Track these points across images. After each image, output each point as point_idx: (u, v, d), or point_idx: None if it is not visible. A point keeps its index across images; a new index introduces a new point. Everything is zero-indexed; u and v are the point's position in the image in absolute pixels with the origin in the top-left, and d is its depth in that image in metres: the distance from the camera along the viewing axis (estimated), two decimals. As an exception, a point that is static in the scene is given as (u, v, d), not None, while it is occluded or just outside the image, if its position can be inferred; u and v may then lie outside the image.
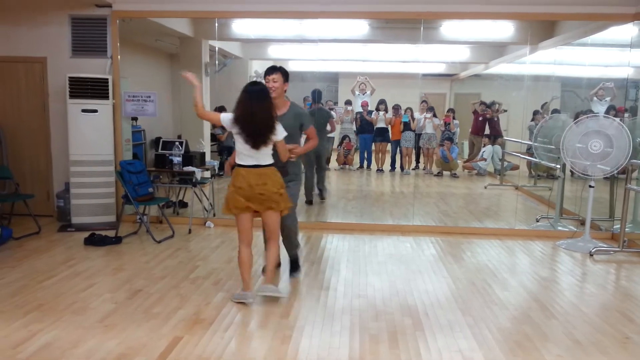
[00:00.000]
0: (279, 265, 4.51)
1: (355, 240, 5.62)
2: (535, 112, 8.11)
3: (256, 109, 3.52)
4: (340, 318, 3.52)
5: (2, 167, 5.88)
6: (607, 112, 6.85)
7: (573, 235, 5.75)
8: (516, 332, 3.36)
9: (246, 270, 3.73)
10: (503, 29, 7.19)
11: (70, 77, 5.71)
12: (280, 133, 3.66)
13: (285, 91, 4.05)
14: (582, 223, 5.80)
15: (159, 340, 3.11)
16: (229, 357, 2.93)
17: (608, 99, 7.16)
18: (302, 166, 4.30)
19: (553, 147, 6.13)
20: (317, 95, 7.26)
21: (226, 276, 4.32)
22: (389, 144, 9.02)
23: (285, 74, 3.99)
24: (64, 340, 3.08)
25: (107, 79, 5.83)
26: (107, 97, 5.82)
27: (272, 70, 3.98)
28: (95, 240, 5.16)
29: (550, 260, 5.07)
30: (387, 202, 7.47)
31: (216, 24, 6.43)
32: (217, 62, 7.33)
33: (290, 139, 3.87)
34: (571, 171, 5.85)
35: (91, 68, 6.02)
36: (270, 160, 3.68)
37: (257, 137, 3.55)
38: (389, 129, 8.92)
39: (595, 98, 7.27)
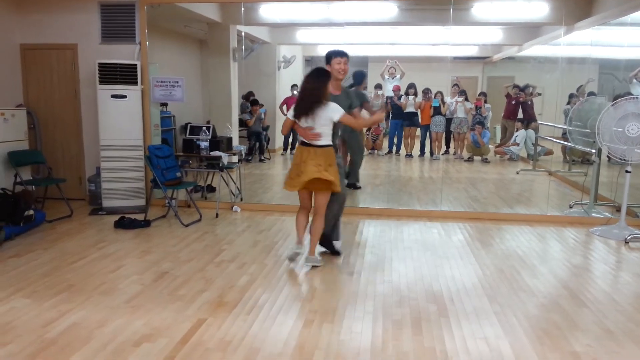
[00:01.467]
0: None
1: (381, 225, 5.58)
2: (571, 96, 7.85)
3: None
4: (363, 303, 3.50)
5: (36, 152, 6.04)
6: (648, 94, 6.58)
7: (608, 221, 5.56)
8: (544, 320, 3.28)
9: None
10: (537, 9, 6.96)
11: (99, 63, 5.79)
12: (337, 112, 3.96)
13: None
14: (618, 209, 5.60)
15: (183, 322, 3.15)
16: (251, 340, 2.95)
17: (649, 80, 6.87)
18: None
19: (588, 131, 5.92)
20: (358, 77, 6.88)
21: (251, 260, 4.35)
22: (418, 129, 8.89)
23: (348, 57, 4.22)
24: (91, 320, 3.15)
25: (136, 64, 5.89)
26: (135, 83, 5.89)
27: (342, 53, 4.19)
28: (124, 224, 5.27)
29: (583, 247, 4.92)
30: (415, 187, 7.38)
31: (242, 9, 6.41)
32: (243, 47, 7.33)
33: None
34: (608, 156, 5.64)
35: (120, 54, 6.10)
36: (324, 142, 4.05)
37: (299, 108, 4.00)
38: (419, 113, 8.78)
39: (635, 80, 6.99)
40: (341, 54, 4.18)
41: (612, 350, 2.90)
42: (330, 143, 4.05)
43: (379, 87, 8.67)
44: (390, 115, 8.79)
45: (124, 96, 5.85)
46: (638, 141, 5.06)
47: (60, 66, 6.33)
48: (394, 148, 8.98)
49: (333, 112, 3.92)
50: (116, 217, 5.42)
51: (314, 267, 4.18)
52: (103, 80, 5.79)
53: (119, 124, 5.85)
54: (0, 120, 5.57)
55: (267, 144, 9.22)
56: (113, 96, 5.82)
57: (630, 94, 6.64)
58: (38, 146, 6.32)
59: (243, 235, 5.12)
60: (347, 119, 3.99)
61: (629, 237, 5.07)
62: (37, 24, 6.27)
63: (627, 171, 5.23)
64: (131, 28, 6.13)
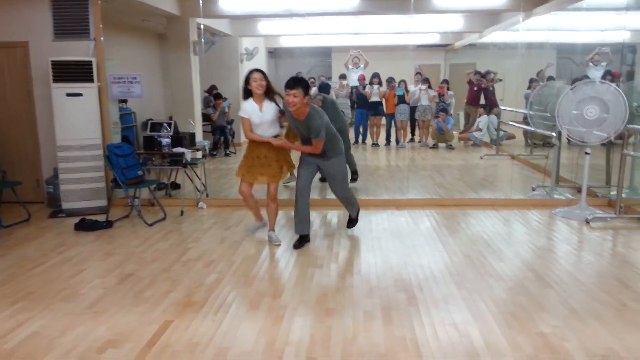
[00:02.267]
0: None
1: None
2: (531, 80, 8.00)
3: None
4: (333, 296, 3.48)
5: (-11, 155, 5.79)
6: (604, 77, 6.75)
7: (569, 203, 5.69)
8: (511, 303, 3.32)
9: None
10: (496, -4, 7.03)
11: (53, 61, 5.57)
12: (240, 111, 4.41)
13: (306, 103, 4.15)
14: (579, 190, 5.74)
15: (149, 325, 3.07)
16: (219, 340, 2.89)
17: (604, 64, 7.04)
18: (340, 144, 4.55)
19: (548, 114, 6.03)
20: (324, 89, 6.80)
21: (218, 257, 4.27)
22: (384, 118, 8.91)
23: (306, 87, 4.11)
24: (51, 329, 3.03)
25: (91, 61, 5.69)
26: (91, 80, 5.69)
27: (293, 84, 4.05)
28: (85, 226, 5.10)
29: (546, 229, 5.02)
30: (382, 176, 7.40)
31: (200, 1, 6.26)
32: (203, 40, 7.18)
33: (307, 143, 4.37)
34: (567, 138, 5.77)
35: (75, 51, 5.87)
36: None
37: None
38: (383, 102, 8.79)
39: (591, 63, 7.16)
40: (290, 85, 4.08)
41: (578, 329, 2.96)
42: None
43: (343, 77, 8.63)
44: (356, 105, 8.77)
45: (80, 94, 5.64)
46: (596, 124, 5.17)
47: (10, 65, 6.06)
48: (360, 137, 8.98)
49: (240, 111, 4.46)
50: (77, 220, 5.25)
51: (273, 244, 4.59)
52: (57, 79, 5.57)
53: (76, 123, 5.64)
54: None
55: (232, 137, 9.10)
56: (68, 94, 5.61)
57: (587, 77, 6.80)
58: (-9, 149, 6.06)
59: (209, 232, 5.03)
60: (243, 121, 4.43)
61: (590, 217, 5.19)
62: (-16, 21, 5.98)
63: (586, 153, 5.36)
64: (85, 24, 5.90)
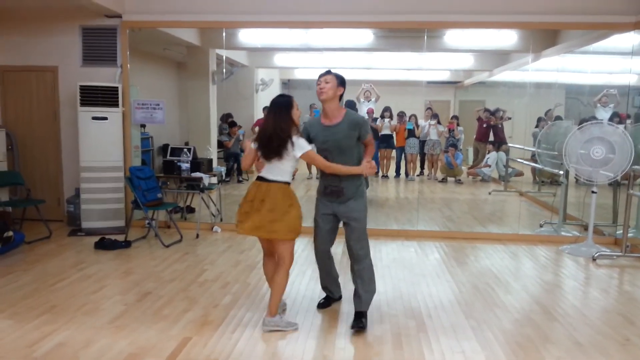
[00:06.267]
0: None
1: (360, 245, 5.68)
2: (540, 119, 8.17)
3: (271, 119, 3.29)
4: (345, 320, 3.60)
5: (14, 173, 6.00)
6: (611, 118, 6.91)
7: (576, 240, 5.80)
8: (518, 334, 3.42)
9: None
10: (506, 37, 7.27)
11: (81, 86, 5.84)
12: (300, 148, 3.28)
13: (340, 96, 3.55)
14: (586, 228, 5.84)
15: (168, 341, 3.19)
16: (236, 357, 3.01)
17: (612, 105, 7.22)
18: (364, 180, 3.70)
19: (556, 153, 6.19)
20: (349, 107, 6.79)
21: (233, 279, 4.40)
22: (394, 151, 9.10)
23: (339, 78, 3.52)
24: (76, 340, 3.17)
25: (117, 87, 5.96)
26: (117, 105, 5.95)
27: (325, 72, 3.56)
28: (105, 244, 5.27)
29: (553, 264, 5.12)
30: (392, 207, 7.54)
31: (224, 34, 6.55)
32: (224, 70, 7.45)
33: (345, 153, 3.47)
34: (576, 177, 5.90)
35: (101, 77, 6.15)
36: (280, 177, 3.32)
37: (267, 147, 3.29)
38: (394, 135, 9.00)
39: (599, 105, 7.33)
40: (322, 74, 3.55)
41: (582, 361, 3.06)
42: (289, 180, 3.38)
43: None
44: None
45: (105, 118, 5.89)
46: (602, 163, 5.32)
47: (40, 88, 6.35)
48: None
49: (298, 149, 3.28)
50: (95, 238, 5.42)
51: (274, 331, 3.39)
52: (84, 103, 5.83)
53: (100, 145, 5.88)
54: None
55: (245, 165, 9.29)
56: (94, 118, 5.86)
57: (595, 118, 6.97)
58: (16, 167, 6.28)
59: (224, 255, 5.17)
60: (310, 157, 3.34)
61: (596, 255, 5.30)
62: (18, 46, 6.29)
63: (593, 192, 5.49)
64: (112, 51, 6.19)
